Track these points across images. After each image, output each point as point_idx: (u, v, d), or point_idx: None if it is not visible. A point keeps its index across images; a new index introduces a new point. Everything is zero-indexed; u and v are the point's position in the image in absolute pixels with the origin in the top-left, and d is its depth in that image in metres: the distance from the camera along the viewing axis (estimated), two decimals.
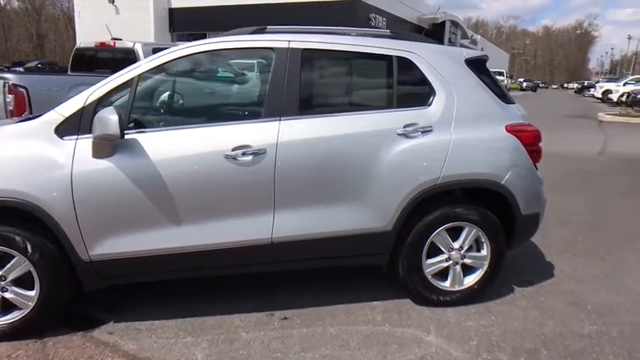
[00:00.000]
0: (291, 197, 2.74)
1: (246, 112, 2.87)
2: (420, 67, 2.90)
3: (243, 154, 2.64)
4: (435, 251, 2.99)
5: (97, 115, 2.48)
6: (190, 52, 2.76)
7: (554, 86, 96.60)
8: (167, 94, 3.03)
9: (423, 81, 2.90)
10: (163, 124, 2.81)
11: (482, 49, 52.90)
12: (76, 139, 2.59)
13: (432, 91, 2.90)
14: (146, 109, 2.89)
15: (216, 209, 2.69)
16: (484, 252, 3.03)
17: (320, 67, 2.92)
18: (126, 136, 2.56)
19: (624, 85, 26.69)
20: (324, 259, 2.94)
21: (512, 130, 2.96)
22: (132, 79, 2.67)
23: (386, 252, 2.93)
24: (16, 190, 2.47)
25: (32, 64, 23.06)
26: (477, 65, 3.07)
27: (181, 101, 3.04)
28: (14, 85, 5.24)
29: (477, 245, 3.06)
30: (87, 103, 2.63)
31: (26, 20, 47.65)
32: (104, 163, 2.56)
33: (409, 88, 2.94)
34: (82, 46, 10.17)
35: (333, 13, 18.63)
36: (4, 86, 5.25)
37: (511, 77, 49.45)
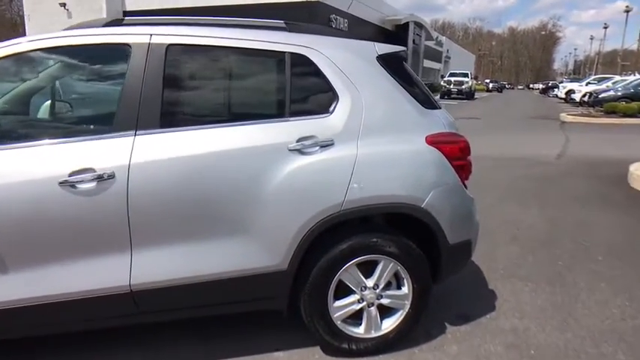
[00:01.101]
0: (153, 234, 2.15)
1: (92, 126, 2.26)
2: (319, 66, 2.35)
3: (84, 180, 2.03)
4: (344, 291, 2.44)
5: None
6: (16, 50, 2.13)
7: (520, 87, 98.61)
8: None
9: (323, 83, 2.35)
10: None
11: (447, 51, 53.50)
12: None
13: (334, 96, 2.35)
14: None
15: (51, 252, 2.07)
16: (405, 289, 2.50)
17: (191, 68, 2.33)
18: None
19: (587, 84, 27.02)
20: (205, 307, 2.35)
21: (434, 141, 2.44)
22: None
23: (283, 295, 2.36)
24: None
25: None
26: (393, 63, 2.53)
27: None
28: None
29: (396, 282, 2.52)
30: None
31: None
32: None
33: (305, 92, 2.38)
34: None
35: (293, 13, 18.07)
36: None
37: (476, 78, 49.88)
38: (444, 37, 54.15)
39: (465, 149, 2.53)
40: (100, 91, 2.36)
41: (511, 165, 7.96)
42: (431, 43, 41.88)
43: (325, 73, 2.35)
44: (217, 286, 2.25)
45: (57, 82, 2.51)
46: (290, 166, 2.22)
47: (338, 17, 22.37)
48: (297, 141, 2.24)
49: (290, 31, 2.44)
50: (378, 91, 2.42)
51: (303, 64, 2.35)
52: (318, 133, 2.28)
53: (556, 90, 37.02)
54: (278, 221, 2.23)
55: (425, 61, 38.18)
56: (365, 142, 2.32)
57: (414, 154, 2.41)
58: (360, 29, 23.71)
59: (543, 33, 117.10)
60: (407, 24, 30.26)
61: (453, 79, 32.88)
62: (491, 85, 57.48)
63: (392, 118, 2.42)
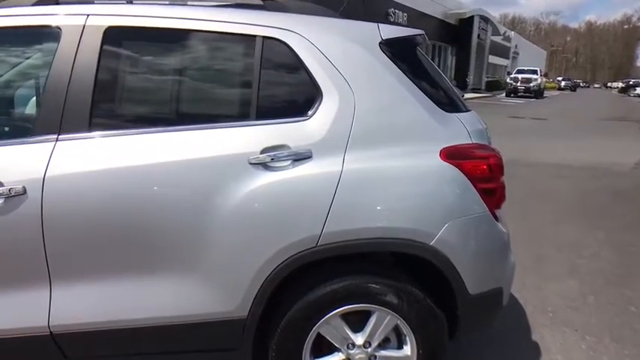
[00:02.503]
0: (76, 264, 1.70)
1: (5, 129, 1.84)
2: (300, 54, 1.79)
3: None
4: (326, 348, 1.88)
5: None
6: None
7: (596, 85, 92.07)
8: None
9: (304, 76, 1.79)
10: None
11: (516, 46, 50.53)
12: None
13: (316, 93, 1.79)
14: None
15: None
16: (407, 350, 1.89)
17: (133, 56, 1.85)
18: None
19: None
20: (148, 356, 1.87)
21: (452, 155, 1.81)
22: None
23: (243, 347, 1.84)
24: None
25: None
26: (403, 50, 1.93)
27: None
28: None
29: (396, 338, 1.93)
30: None
31: None
32: None
33: (279, 87, 1.84)
34: None
35: (346, 7, 17.46)
36: None
37: (546, 75, 46.70)
38: (513, 32, 51.30)
39: (496, 167, 1.88)
40: (19, 85, 1.93)
41: (576, 175, 6.96)
42: (498, 39, 39.72)
43: (307, 64, 1.79)
44: (160, 333, 1.77)
45: None
46: (250, 184, 1.68)
47: (397, 11, 21.47)
48: (262, 152, 1.70)
49: (267, 10, 1.90)
50: (377, 87, 1.83)
51: (278, 52, 1.80)
52: (290, 142, 1.73)
53: (638, 89, 33.86)
54: (233, 257, 1.71)
55: (490, 56, 36.28)
56: (354, 156, 1.74)
57: (424, 172, 1.80)
58: (420, 23, 22.64)
59: (626, 27, 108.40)
60: (471, 18, 28.66)
61: (520, 76, 30.86)
62: (563, 83, 53.71)
63: (395, 125, 1.82)
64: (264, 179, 1.69)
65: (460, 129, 1.89)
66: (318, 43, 1.82)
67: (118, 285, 1.72)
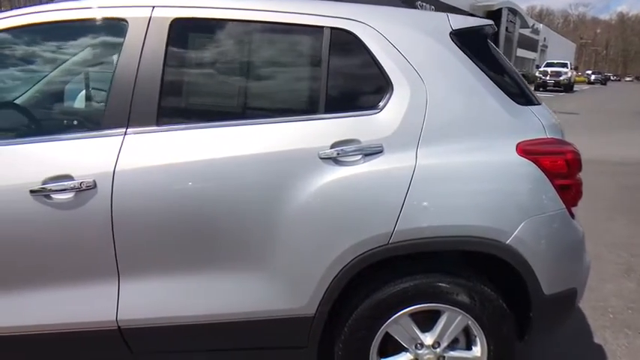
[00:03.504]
0: (145, 259, 1.69)
1: (74, 122, 1.83)
2: (369, 46, 1.73)
3: (59, 189, 1.61)
4: (394, 348, 1.83)
5: None
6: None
7: (627, 79, 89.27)
8: None
9: (373, 68, 1.73)
10: None
11: (544, 39, 49.37)
12: None
13: (386, 86, 1.73)
14: None
15: (20, 277, 1.68)
16: (476, 351, 1.83)
17: (199, 49, 1.82)
18: None
19: None
20: (212, 353, 1.85)
21: (529, 150, 1.73)
22: None
23: (310, 346, 1.80)
24: None
25: None
26: (474, 41, 1.85)
27: None
28: None
29: (465, 339, 1.87)
30: None
31: None
32: None
33: (348, 80, 1.78)
34: None
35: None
36: None
37: (576, 69, 45.48)
38: (541, 25, 50.11)
39: (574, 163, 1.79)
40: (87, 80, 1.92)
41: (617, 171, 6.74)
42: (526, 31, 38.89)
43: (376, 55, 1.73)
44: (226, 330, 1.75)
45: (32, 68, 2.10)
46: (320, 180, 1.64)
47: (424, 3, 21.17)
48: (332, 146, 1.65)
49: (334, 0, 1.85)
50: (449, 80, 1.76)
51: (347, 43, 1.75)
52: (361, 136, 1.67)
53: None
54: (302, 254, 1.67)
55: (518, 50, 35.53)
56: (427, 151, 1.68)
57: (499, 168, 1.72)
58: None
59: None
60: (499, 10, 28.12)
61: (549, 69, 30.09)
62: (593, 77, 52.25)
63: (468, 118, 1.75)
64: (335, 174, 1.64)
65: (535, 123, 1.81)
66: (387, 33, 1.76)
67: (185, 281, 1.70)
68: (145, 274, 1.69)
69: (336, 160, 1.65)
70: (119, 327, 1.72)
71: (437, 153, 1.69)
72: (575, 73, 36.89)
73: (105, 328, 1.72)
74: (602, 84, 50.10)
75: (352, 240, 1.65)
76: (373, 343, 1.79)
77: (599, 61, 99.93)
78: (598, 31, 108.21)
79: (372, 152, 1.66)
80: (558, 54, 47.31)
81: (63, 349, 1.77)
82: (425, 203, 1.66)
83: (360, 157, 1.66)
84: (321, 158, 1.65)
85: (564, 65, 30.78)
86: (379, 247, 1.66)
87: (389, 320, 1.76)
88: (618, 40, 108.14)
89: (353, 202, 1.65)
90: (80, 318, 1.71)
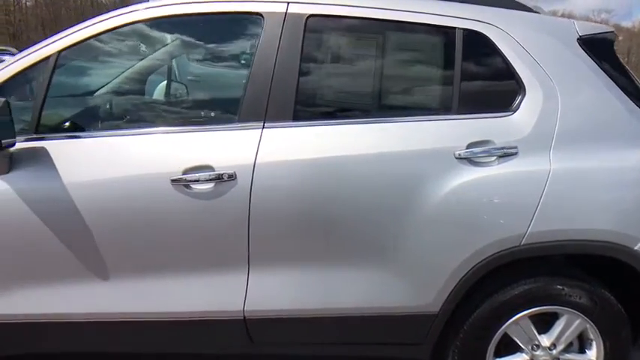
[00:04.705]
0: (276, 251, 1.72)
1: (212, 114, 1.87)
2: (501, 49, 1.75)
3: (200, 179, 1.65)
4: (507, 348, 1.85)
5: None
6: (131, 19, 1.77)
7: None
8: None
9: (505, 70, 1.75)
10: (87, 127, 1.88)
11: None
12: None
13: (519, 88, 1.74)
14: (67, 104, 1.97)
15: (154, 263, 1.73)
16: (591, 355, 1.84)
17: (334, 46, 1.85)
18: (26, 145, 1.67)
19: None
20: (330, 345, 1.89)
21: None
22: (45, 59, 1.75)
23: (427, 343, 1.83)
24: None
25: None
26: (600, 47, 1.85)
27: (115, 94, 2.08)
28: None
29: (578, 343, 1.88)
30: None
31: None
32: None
33: (480, 81, 1.80)
34: None
35: None
36: None
37: None
38: None
39: None
40: (224, 72, 1.96)
41: None
42: None
43: (508, 58, 1.75)
44: (346, 324, 1.78)
45: (173, 60, 2.16)
46: (455, 180, 1.66)
47: None
48: (468, 147, 1.67)
49: (461, 1, 1.86)
50: (579, 84, 1.77)
51: (479, 45, 1.76)
52: (495, 137, 1.69)
53: None
54: (434, 252, 1.70)
55: None
56: (560, 154, 1.69)
57: (630, 173, 1.73)
58: None
59: None
60: None
61: None
62: None
63: (598, 123, 1.76)
64: (470, 175, 1.66)
65: None
66: (519, 37, 1.77)
67: (314, 274, 1.73)
68: (274, 267, 1.73)
69: (471, 161, 1.67)
70: (245, 317, 1.76)
71: (569, 157, 1.70)
72: None
73: (231, 318, 1.76)
74: None
75: (484, 241, 1.67)
76: (491, 343, 1.81)
77: None
78: (620, 38, 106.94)
79: (507, 154, 1.68)
80: None
81: (188, 336, 1.81)
82: (558, 206, 1.67)
83: (494, 158, 1.68)
84: (457, 158, 1.67)
85: None
86: (510, 248, 1.68)
87: (509, 321, 1.78)
88: None
89: (487, 204, 1.67)
90: (209, 307, 1.75)
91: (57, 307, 1.75)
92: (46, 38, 1.80)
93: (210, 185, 1.65)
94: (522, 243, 1.67)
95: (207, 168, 1.65)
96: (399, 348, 1.87)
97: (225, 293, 1.75)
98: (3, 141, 1.55)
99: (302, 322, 1.78)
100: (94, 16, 1.79)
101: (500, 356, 1.85)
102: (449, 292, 1.72)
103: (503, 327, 1.79)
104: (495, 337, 1.80)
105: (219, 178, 1.64)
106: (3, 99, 1.58)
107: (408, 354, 1.90)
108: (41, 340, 1.82)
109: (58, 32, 1.77)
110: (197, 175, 1.65)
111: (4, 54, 9.75)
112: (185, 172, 1.65)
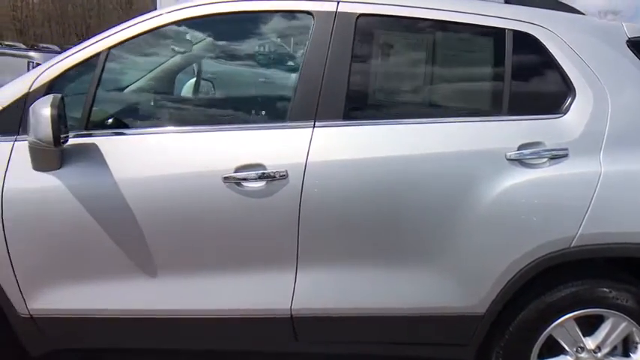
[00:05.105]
0: (324, 251, 1.73)
1: (263, 112, 1.88)
2: (551, 51, 1.75)
3: (251, 178, 1.65)
4: (551, 350, 1.85)
5: (31, 107, 1.60)
6: (184, 15, 1.78)
7: None
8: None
9: (555, 72, 1.75)
10: (137, 124, 1.88)
11: None
12: (15, 140, 1.73)
13: (569, 90, 1.74)
14: (116, 101, 1.97)
15: (203, 260, 1.73)
16: (636, 358, 1.84)
17: (384, 45, 1.85)
18: (76, 141, 1.68)
19: None
20: (373, 344, 1.90)
21: None
22: (96, 56, 1.75)
23: (472, 344, 1.83)
24: None
25: None
26: None
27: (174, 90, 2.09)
28: (38, 64, 4.73)
29: (622, 347, 1.88)
30: (33, 89, 1.75)
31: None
32: (45, 180, 1.68)
33: (530, 82, 1.80)
34: None
35: None
36: (28, 65, 4.77)
37: None
38: None
39: None
40: (274, 71, 1.97)
41: None
42: None
43: (558, 60, 1.75)
44: (391, 323, 1.79)
45: (217, 59, 2.16)
46: (507, 181, 1.66)
47: None
48: (519, 148, 1.68)
49: (509, 3, 1.87)
50: (629, 87, 1.77)
51: (528, 46, 1.77)
52: (545, 139, 1.69)
53: None
54: (484, 253, 1.70)
55: None
56: (610, 157, 1.69)
57: None
58: None
59: None
60: None
61: None
62: None
63: None
64: (522, 176, 1.67)
65: None
66: (568, 39, 1.77)
67: (360, 272, 1.74)
68: (322, 266, 1.73)
69: (522, 162, 1.67)
70: (292, 315, 1.76)
71: (619, 159, 1.70)
72: None
73: (278, 316, 1.76)
74: None
75: (534, 242, 1.67)
76: (536, 345, 1.81)
77: None
78: None
79: (557, 155, 1.68)
80: None
81: (234, 334, 1.82)
82: (608, 209, 1.67)
83: (545, 159, 1.68)
84: (508, 160, 1.67)
85: None
86: (560, 250, 1.68)
87: (555, 323, 1.78)
88: None
89: (538, 205, 1.67)
90: (257, 305, 1.75)
91: (103, 304, 1.76)
92: (85, 37, 1.81)
93: (261, 183, 1.66)
94: (572, 245, 1.67)
95: (259, 166, 1.66)
96: (442, 348, 1.88)
97: (273, 291, 1.75)
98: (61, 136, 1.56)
99: (348, 320, 1.78)
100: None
101: (544, 358, 1.85)
102: (496, 293, 1.72)
103: (549, 329, 1.79)
104: (540, 338, 1.80)
105: (271, 177, 1.65)
106: (59, 95, 1.59)
107: (452, 355, 1.90)
108: (88, 336, 1.83)
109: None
110: (249, 173, 1.65)
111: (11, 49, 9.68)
112: (237, 170, 1.66)
